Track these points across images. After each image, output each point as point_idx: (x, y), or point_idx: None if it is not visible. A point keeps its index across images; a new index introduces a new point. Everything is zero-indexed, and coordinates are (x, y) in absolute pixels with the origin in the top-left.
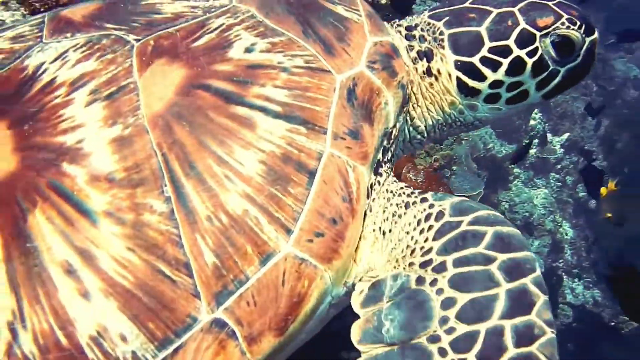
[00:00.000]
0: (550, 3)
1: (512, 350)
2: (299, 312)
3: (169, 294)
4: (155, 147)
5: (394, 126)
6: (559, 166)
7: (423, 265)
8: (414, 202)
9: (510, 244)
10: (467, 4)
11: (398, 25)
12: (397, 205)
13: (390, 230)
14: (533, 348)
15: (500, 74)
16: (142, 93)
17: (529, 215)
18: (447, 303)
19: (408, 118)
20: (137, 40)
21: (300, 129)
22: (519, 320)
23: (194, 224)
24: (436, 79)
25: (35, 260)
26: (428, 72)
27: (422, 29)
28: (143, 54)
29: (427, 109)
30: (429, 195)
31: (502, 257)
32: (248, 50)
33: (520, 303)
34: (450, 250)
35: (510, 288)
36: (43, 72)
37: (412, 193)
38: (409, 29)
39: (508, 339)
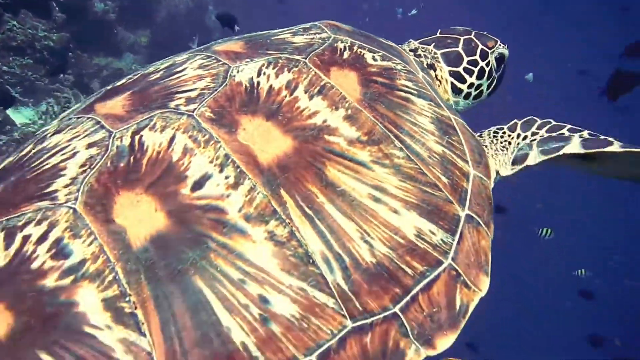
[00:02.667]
0: (485, 34)
1: None
2: (489, 257)
3: (439, 203)
4: (373, 118)
5: None
6: None
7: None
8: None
9: None
10: (438, 35)
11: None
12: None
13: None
14: None
15: (473, 78)
16: (340, 88)
17: None
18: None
19: None
20: (305, 58)
21: (431, 103)
22: None
23: (424, 162)
24: (440, 82)
25: (351, 197)
26: (436, 78)
27: (421, 50)
28: (318, 66)
29: None
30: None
31: None
32: (374, 59)
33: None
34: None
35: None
36: (258, 84)
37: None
38: (412, 51)
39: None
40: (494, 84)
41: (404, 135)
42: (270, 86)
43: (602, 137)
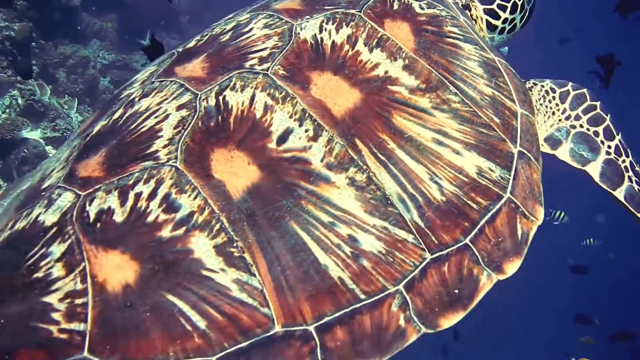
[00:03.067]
0: None
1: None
2: (541, 189)
3: (494, 142)
4: (428, 67)
5: None
6: None
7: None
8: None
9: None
10: None
11: None
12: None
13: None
14: None
15: (507, 13)
16: (395, 39)
17: None
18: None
19: None
20: (359, 11)
21: (477, 47)
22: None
23: (477, 104)
24: (475, 21)
25: (417, 142)
26: (472, 17)
27: None
28: (372, 19)
29: None
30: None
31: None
32: (421, 7)
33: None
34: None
35: None
36: (322, 40)
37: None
38: None
39: None
40: (526, 16)
41: (457, 81)
42: (333, 42)
43: (623, 157)
